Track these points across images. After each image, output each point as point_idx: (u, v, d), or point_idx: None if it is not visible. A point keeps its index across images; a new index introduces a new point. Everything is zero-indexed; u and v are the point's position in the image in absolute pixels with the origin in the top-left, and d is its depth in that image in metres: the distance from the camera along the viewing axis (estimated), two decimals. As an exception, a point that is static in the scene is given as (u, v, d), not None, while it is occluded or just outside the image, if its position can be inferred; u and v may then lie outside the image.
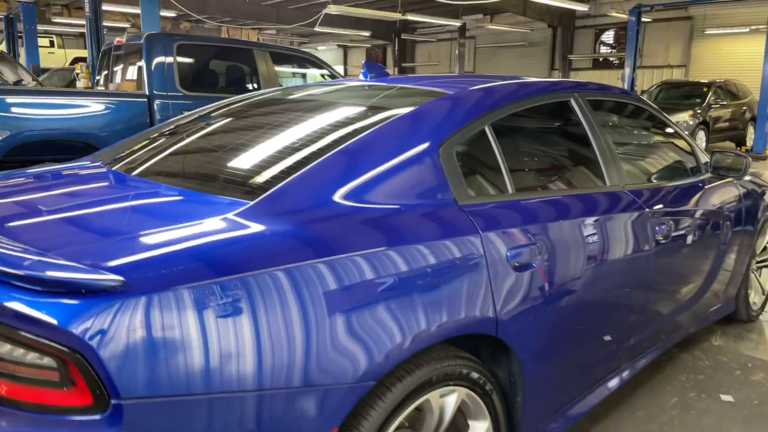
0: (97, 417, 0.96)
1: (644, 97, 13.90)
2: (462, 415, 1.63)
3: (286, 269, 1.18)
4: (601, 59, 19.07)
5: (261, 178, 1.52)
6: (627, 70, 13.55)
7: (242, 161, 1.67)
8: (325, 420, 1.19)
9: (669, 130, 2.83)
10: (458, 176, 1.65)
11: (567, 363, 1.89)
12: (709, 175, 2.84)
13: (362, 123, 1.72)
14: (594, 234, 1.93)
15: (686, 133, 2.87)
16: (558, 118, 2.24)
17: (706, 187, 2.72)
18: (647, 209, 2.22)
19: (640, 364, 2.39)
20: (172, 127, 2.21)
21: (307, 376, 1.15)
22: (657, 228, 2.24)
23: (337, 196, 1.42)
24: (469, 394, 1.56)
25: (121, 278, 0.99)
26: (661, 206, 2.32)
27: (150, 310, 0.99)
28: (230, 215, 1.30)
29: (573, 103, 2.21)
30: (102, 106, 4.66)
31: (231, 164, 1.67)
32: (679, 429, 2.34)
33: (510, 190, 1.80)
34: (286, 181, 1.42)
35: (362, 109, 1.91)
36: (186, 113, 2.35)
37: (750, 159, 2.83)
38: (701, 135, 10.84)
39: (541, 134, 2.21)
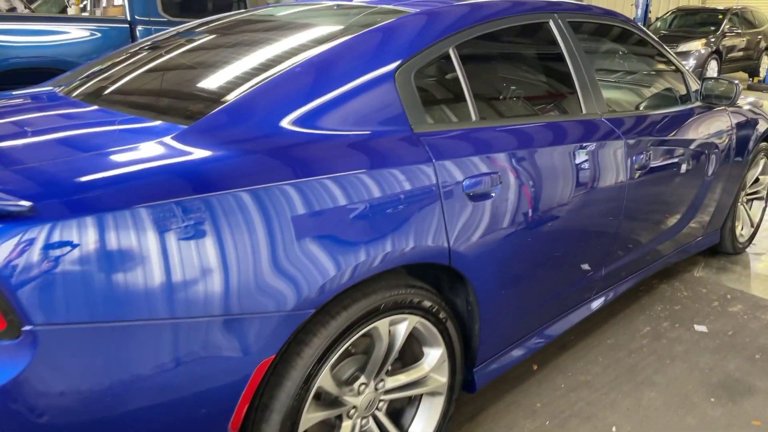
0: (12, 342, 0.95)
1: (657, 24, 12.99)
2: (417, 342, 1.64)
3: (219, 195, 1.14)
4: (614, -16, 18.19)
5: (201, 102, 1.46)
6: (641, -6, 12.93)
7: (185, 84, 1.60)
8: (258, 350, 1.18)
9: (659, 55, 2.70)
10: (416, 102, 1.58)
11: (527, 294, 1.87)
12: (699, 103, 2.73)
13: (313, 45, 1.63)
14: (563, 164, 1.87)
15: (682, 60, 2.73)
16: (535, 40, 2.13)
17: (694, 115, 2.62)
18: (626, 139, 2.14)
19: (611, 296, 2.39)
20: (131, 50, 2.12)
21: (230, 305, 1.12)
22: (635, 158, 2.17)
23: (278, 121, 1.36)
24: (422, 322, 1.56)
25: (28, 203, 0.96)
26: (641, 135, 2.23)
27: (59, 236, 0.97)
28: (161, 140, 1.25)
29: (552, 24, 2.09)
30: (84, 33, 4.50)
31: (173, 87, 1.61)
32: (648, 357, 2.36)
33: (474, 118, 1.73)
34: (224, 105, 1.36)
35: (316, 29, 1.80)
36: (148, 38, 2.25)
37: (740, 86, 2.71)
38: (713, 65, 10.45)
39: (514, 58, 2.11)
